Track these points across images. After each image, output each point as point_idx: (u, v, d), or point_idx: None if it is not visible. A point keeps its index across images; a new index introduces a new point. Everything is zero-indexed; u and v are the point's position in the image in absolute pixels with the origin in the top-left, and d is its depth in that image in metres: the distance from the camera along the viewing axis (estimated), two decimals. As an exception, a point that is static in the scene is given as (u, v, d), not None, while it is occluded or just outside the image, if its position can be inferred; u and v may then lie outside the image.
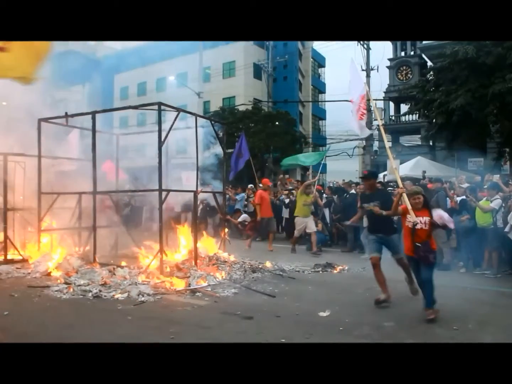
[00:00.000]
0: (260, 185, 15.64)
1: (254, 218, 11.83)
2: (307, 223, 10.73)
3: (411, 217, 5.29)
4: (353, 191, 11.76)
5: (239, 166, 14.14)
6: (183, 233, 8.46)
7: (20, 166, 8.89)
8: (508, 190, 8.89)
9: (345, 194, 11.99)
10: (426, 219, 5.30)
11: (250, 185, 15.63)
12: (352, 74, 7.44)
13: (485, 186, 9.18)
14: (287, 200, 13.84)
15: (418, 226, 5.25)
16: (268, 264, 8.48)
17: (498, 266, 8.27)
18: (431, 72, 17.68)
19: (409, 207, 5.33)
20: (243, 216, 14.00)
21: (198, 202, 9.61)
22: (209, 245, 8.78)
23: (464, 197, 9.00)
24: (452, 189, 9.72)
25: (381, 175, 15.88)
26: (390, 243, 6.12)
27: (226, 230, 9.71)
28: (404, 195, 5.52)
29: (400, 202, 5.63)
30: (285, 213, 13.88)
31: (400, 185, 6.02)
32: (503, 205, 8.29)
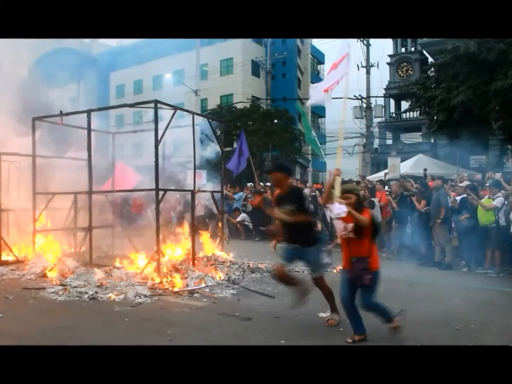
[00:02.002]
0: (261, 183, 15.53)
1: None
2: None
3: (332, 211, 4.40)
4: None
5: (241, 165, 13.99)
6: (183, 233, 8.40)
7: (14, 165, 8.78)
8: (511, 188, 8.79)
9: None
10: (350, 225, 4.29)
11: (249, 184, 15.51)
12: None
13: (487, 184, 9.10)
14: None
15: (342, 233, 4.36)
16: (267, 264, 8.40)
17: (501, 265, 8.23)
18: (432, 69, 17.54)
19: (336, 201, 4.38)
20: (242, 216, 13.90)
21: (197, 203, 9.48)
22: (207, 245, 8.69)
23: (464, 195, 8.92)
24: (454, 187, 9.62)
25: (382, 174, 15.78)
26: (306, 257, 4.97)
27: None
28: (337, 188, 4.54)
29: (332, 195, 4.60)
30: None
31: (337, 166, 4.86)
32: (506, 203, 8.20)
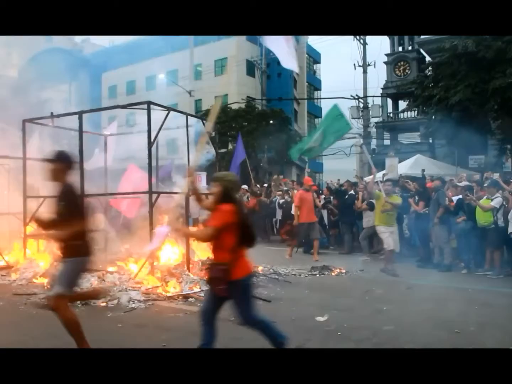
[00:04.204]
0: (257, 185, 15.38)
1: (290, 221, 11.07)
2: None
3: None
4: (352, 192, 11.52)
5: (238, 168, 13.89)
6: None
7: (3, 168, 8.65)
8: (509, 188, 8.73)
9: (345, 196, 11.73)
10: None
11: (243, 186, 15.39)
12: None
13: (485, 185, 9.04)
14: (281, 201, 13.56)
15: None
16: (263, 267, 8.33)
17: (501, 267, 8.18)
18: (430, 67, 17.52)
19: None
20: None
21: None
22: (202, 248, 8.57)
23: (460, 196, 8.86)
24: (453, 187, 9.56)
25: (380, 174, 15.69)
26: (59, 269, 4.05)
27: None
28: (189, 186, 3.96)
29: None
30: (279, 214, 13.59)
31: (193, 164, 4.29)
32: (504, 203, 8.13)
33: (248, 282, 3.61)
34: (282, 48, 5.37)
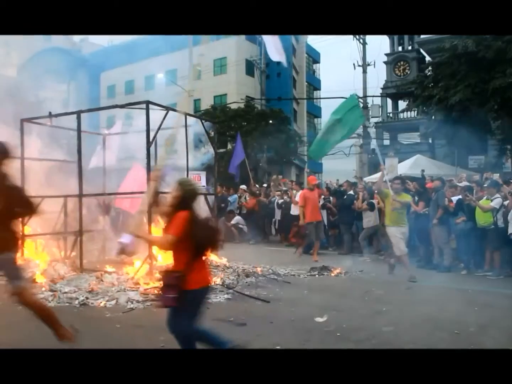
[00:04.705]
0: (256, 185, 15.31)
1: (296, 223, 10.90)
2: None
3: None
4: (351, 192, 11.47)
5: (237, 168, 13.85)
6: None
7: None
8: (509, 188, 8.70)
9: (344, 196, 11.69)
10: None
11: (242, 186, 15.35)
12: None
13: (485, 185, 9.02)
14: (280, 201, 13.52)
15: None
16: (262, 268, 8.31)
17: (501, 267, 8.16)
18: (430, 67, 17.49)
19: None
20: (236, 219, 13.75)
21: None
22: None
23: (460, 196, 8.83)
24: (452, 187, 9.52)
25: (379, 175, 15.65)
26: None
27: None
28: (150, 194, 3.78)
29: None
30: (278, 214, 13.55)
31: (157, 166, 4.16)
32: (504, 204, 8.11)
33: (199, 295, 3.49)
34: (269, 42, 5.44)
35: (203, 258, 3.55)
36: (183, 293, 3.33)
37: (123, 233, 3.72)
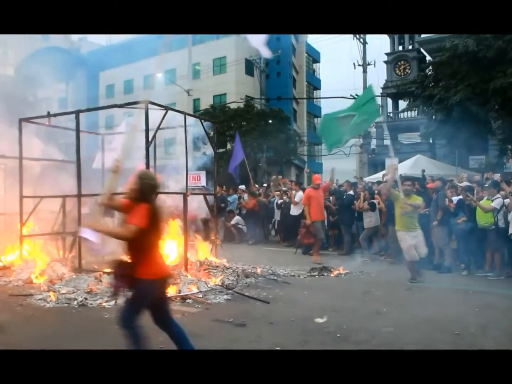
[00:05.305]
0: (256, 185, 15.24)
1: (304, 223, 10.53)
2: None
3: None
4: (351, 192, 11.40)
5: (236, 168, 13.80)
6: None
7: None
8: (510, 188, 8.66)
9: (343, 196, 11.63)
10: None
11: (241, 186, 15.31)
12: None
13: (486, 185, 8.97)
14: (280, 201, 13.48)
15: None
16: (261, 268, 8.28)
17: (501, 268, 8.12)
18: (430, 67, 17.41)
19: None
20: (236, 219, 13.70)
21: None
22: (200, 249, 8.52)
23: (460, 197, 8.80)
24: (453, 187, 9.48)
25: (379, 175, 15.62)
26: None
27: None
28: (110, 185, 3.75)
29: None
30: (277, 215, 13.49)
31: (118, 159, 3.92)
32: (505, 204, 8.07)
33: (151, 286, 3.46)
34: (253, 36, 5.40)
35: (157, 250, 3.56)
36: (134, 282, 3.37)
37: (82, 228, 3.65)
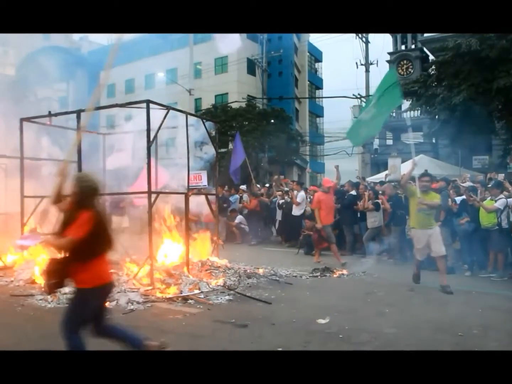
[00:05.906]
0: (257, 185, 15.15)
1: (314, 229, 10.48)
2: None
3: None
4: (353, 192, 11.36)
5: (236, 171, 13.75)
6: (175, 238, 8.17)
7: (0, 167, 8.57)
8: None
9: (345, 196, 11.59)
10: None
11: (242, 186, 15.26)
12: None
13: (489, 185, 8.93)
14: (281, 201, 13.43)
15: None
16: (263, 269, 8.27)
17: (504, 269, 8.11)
18: (433, 66, 17.37)
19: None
20: (239, 218, 13.66)
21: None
22: (202, 250, 8.49)
23: (463, 197, 8.75)
24: (456, 188, 9.44)
25: (382, 175, 15.58)
26: None
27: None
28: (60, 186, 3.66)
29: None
30: (279, 215, 13.44)
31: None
32: (509, 204, 8.03)
33: (87, 295, 3.36)
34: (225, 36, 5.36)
35: (101, 257, 3.44)
36: (75, 291, 3.37)
37: (25, 236, 3.60)
